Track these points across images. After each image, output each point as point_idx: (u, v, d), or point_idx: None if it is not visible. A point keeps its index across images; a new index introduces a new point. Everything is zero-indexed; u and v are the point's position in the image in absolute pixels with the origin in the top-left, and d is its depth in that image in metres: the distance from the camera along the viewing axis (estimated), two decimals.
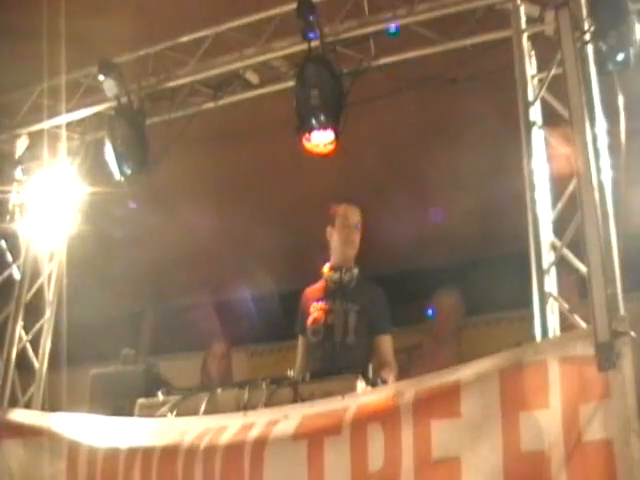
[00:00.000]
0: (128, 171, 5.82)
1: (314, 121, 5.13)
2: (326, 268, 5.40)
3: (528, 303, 4.30)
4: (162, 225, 8.51)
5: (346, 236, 5.37)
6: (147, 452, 4.48)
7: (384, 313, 5.30)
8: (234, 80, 5.93)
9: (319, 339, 5.15)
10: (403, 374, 5.01)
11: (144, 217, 7.87)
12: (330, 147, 5.24)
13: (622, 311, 3.76)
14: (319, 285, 5.43)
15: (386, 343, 5.22)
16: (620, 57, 4.43)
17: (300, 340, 5.36)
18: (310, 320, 5.24)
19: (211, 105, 6.05)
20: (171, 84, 6.02)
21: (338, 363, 4.88)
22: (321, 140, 5.20)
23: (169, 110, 6.14)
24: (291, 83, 5.46)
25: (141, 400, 4.84)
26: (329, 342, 5.10)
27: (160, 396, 4.76)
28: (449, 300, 5.18)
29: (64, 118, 6.26)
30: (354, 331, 5.12)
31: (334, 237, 5.41)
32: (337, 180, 7.00)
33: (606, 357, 3.46)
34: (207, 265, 9.25)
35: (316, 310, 5.26)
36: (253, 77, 5.91)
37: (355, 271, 5.33)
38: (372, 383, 4.29)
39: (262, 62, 5.78)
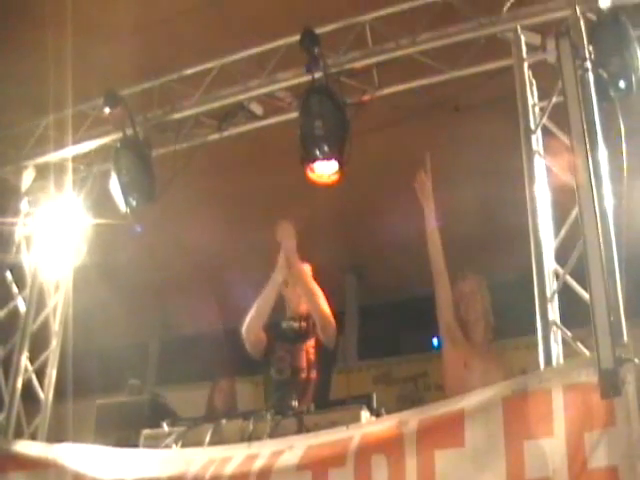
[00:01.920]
0: (134, 203, 5.83)
1: (318, 152, 5.16)
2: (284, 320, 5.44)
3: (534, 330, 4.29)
4: (168, 255, 8.54)
5: (287, 296, 5.46)
6: None
7: None
8: (238, 111, 5.97)
9: (285, 377, 5.13)
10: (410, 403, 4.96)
11: (150, 247, 7.89)
12: (334, 177, 5.26)
13: (625, 338, 3.75)
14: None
15: None
16: (622, 84, 4.45)
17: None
18: (276, 357, 5.21)
19: (216, 136, 6.08)
20: (176, 116, 6.06)
21: (304, 399, 4.90)
22: (325, 171, 5.23)
23: (174, 141, 6.16)
24: (295, 114, 5.51)
25: (146, 431, 4.81)
26: (294, 381, 5.09)
27: (165, 427, 4.74)
28: (469, 285, 5.02)
29: (70, 150, 6.29)
30: (316, 366, 5.16)
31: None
32: (340, 207, 7.02)
33: (610, 384, 3.44)
34: (213, 294, 9.28)
35: (281, 350, 5.24)
36: (257, 108, 5.94)
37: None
38: (376, 413, 4.27)
39: (266, 93, 5.82)
